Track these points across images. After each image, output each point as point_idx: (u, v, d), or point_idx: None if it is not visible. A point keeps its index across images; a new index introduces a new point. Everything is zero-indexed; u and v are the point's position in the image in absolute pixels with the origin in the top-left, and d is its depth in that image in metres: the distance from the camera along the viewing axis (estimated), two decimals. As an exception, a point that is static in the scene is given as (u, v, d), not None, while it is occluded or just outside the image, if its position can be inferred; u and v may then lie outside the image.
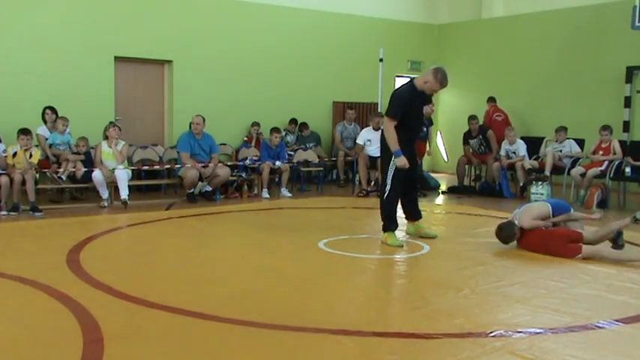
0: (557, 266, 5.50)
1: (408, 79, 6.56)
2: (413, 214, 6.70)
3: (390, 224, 6.36)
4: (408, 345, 3.64)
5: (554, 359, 3.40)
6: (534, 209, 6.17)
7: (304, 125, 11.85)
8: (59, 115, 9.12)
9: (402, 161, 6.12)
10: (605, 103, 11.22)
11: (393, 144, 6.15)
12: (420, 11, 13.97)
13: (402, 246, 6.19)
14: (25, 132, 8.16)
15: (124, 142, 8.99)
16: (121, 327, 3.80)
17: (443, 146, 13.66)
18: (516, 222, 6.08)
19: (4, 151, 8.14)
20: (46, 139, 8.92)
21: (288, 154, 10.57)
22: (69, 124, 9.09)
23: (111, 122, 9.16)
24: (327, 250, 6.01)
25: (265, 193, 9.73)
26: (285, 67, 11.95)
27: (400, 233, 6.59)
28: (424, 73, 6.28)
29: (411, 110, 6.20)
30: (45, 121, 9.16)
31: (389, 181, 6.26)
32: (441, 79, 6.12)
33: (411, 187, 6.65)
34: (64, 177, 8.54)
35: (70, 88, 9.81)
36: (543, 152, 10.20)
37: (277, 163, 9.90)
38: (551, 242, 5.86)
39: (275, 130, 10.12)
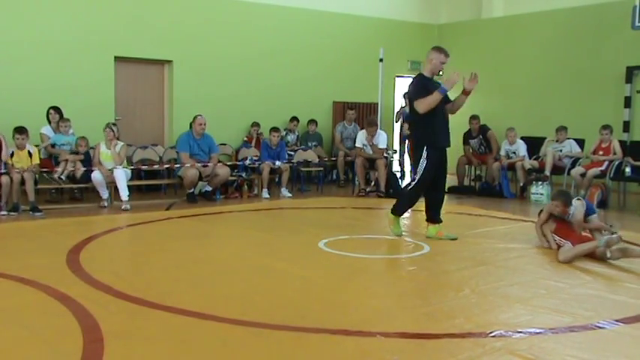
0: (557, 266, 5.50)
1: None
2: (434, 217, 6.64)
3: (400, 209, 6.55)
4: (408, 345, 3.64)
5: (554, 359, 3.40)
6: (582, 209, 6.19)
7: (313, 122, 11.84)
8: (64, 115, 9.13)
9: (451, 79, 6.07)
10: (605, 103, 11.21)
11: (435, 96, 6.13)
12: (420, 11, 13.97)
13: (401, 235, 6.36)
14: (20, 131, 8.11)
15: (122, 144, 8.95)
16: (121, 327, 3.80)
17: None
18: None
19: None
20: (49, 138, 8.93)
21: (288, 154, 10.56)
22: (70, 125, 9.09)
23: (107, 123, 9.15)
24: (327, 250, 6.01)
25: (265, 193, 9.72)
26: (286, 67, 11.95)
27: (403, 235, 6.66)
28: (424, 63, 6.51)
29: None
30: (49, 121, 9.17)
31: (419, 174, 6.36)
32: (441, 49, 6.39)
33: (439, 188, 6.65)
34: (64, 177, 8.53)
35: (70, 88, 9.80)
36: (544, 152, 10.19)
37: (277, 163, 9.89)
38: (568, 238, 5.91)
39: (274, 129, 10.13)
